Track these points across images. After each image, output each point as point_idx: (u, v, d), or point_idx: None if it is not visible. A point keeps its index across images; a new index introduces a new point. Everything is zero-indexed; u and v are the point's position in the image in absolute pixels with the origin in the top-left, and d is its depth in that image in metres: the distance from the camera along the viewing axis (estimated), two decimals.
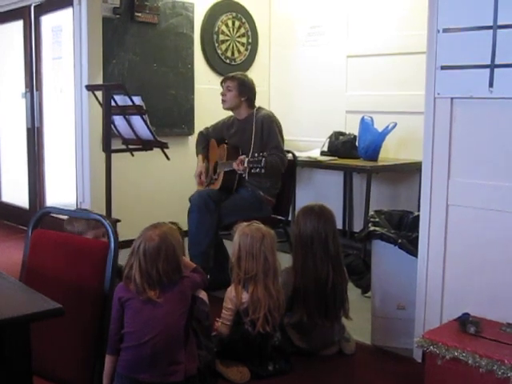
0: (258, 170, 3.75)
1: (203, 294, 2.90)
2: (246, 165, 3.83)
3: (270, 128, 4.18)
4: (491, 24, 2.71)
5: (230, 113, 4.43)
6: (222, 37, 5.90)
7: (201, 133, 4.61)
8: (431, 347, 2.62)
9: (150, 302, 2.52)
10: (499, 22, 2.69)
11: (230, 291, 3.02)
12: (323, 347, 3.22)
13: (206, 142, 4.52)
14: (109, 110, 3.80)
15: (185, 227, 3.99)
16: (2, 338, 1.50)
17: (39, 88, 5.77)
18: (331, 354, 3.22)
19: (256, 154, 3.80)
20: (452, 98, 2.88)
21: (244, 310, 2.97)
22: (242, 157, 3.91)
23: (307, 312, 3.15)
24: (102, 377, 1.96)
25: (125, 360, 2.53)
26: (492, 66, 2.72)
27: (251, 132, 4.18)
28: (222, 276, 4.14)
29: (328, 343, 3.22)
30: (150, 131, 3.86)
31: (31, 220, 2.09)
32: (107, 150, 3.83)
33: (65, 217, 3.32)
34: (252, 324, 2.93)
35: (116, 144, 3.98)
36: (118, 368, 2.54)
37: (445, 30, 2.87)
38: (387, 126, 4.91)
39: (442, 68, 2.89)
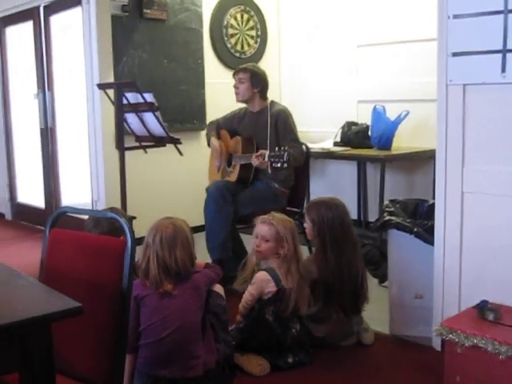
0: (279, 164, 3.72)
1: (219, 288, 2.91)
2: (266, 159, 3.82)
3: (285, 123, 4.17)
4: (502, 8, 2.68)
5: (241, 105, 4.42)
6: (231, 30, 5.89)
7: (211, 122, 4.61)
8: (450, 335, 2.61)
9: (166, 296, 2.54)
10: (510, 7, 2.66)
11: (264, 275, 3.04)
12: (342, 338, 3.22)
13: (216, 130, 4.49)
14: (121, 108, 3.82)
15: (201, 221, 4.02)
16: (24, 337, 1.51)
17: (51, 88, 5.80)
18: (350, 345, 3.22)
19: (277, 148, 3.78)
20: (464, 85, 2.86)
21: (269, 300, 2.98)
22: (262, 151, 3.90)
23: (339, 307, 3.17)
24: (123, 374, 1.97)
25: (144, 357, 2.55)
26: (504, 51, 2.70)
27: (266, 126, 4.16)
28: (239, 269, 4.16)
29: (346, 334, 3.23)
30: (163, 127, 3.87)
31: (48, 220, 2.11)
32: (120, 147, 3.85)
33: (80, 215, 3.34)
34: (275, 313, 2.96)
35: (129, 141, 4.00)
36: (138, 365, 2.55)
37: (455, 16, 2.85)
38: (400, 115, 4.89)
39: (454, 55, 2.87)
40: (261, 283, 3.02)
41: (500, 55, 2.71)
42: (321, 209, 3.25)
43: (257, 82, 4.25)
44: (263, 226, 3.11)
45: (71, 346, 1.90)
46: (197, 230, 3.23)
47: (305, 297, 3.06)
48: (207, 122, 5.43)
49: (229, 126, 4.45)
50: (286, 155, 3.70)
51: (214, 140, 4.42)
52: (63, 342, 1.80)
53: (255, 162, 3.93)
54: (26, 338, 1.52)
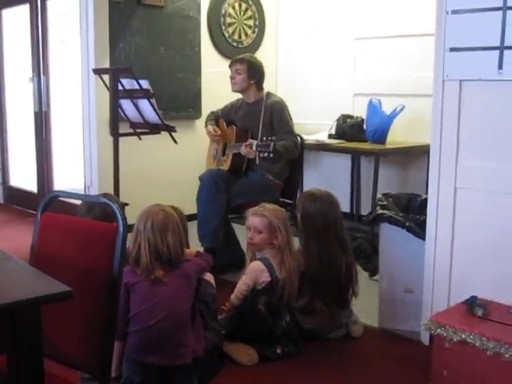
0: (266, 154, 3.74)
1: (209, 277, 2.92)
2: (254, 148, 3.83)
3: (281, 114, 4.16)
4: (501, 5, 2.68)
5: (238, 95, 4.41)
6: (228, 19, 5.86)
7: (211, 112, 4.60)
8: (439, 330, 2.62)
9: (157, 283, 2.54)
10: (509, 3, 2.66)
11: (259, 265, 3.04)
12: (331, 330, 3.23)
13: (215, 119, 4.49)
14: (116, 94, 3.80)
15: (193, 210, 4.02)
16: (12, 320, 1.51)
17: (46, 72, 5.77)
18: (338, 337, 3.23)
19: (264, 138, 3.79)
20: (461, 81, 2.86)
21: (262, 290, 2.99)
22: (251, 140, 3.90)
23: (322, 299, 3.17)
24: (111, 361, 1.97)
25: (132, 344, 2.55)
26: (501, 48, 2.70)
27: (259, 117, 4.16)
28: (231, 259, 4.17)
29: (335, 326, 3.24)
30: (158, 115, 3.85)
31: (40, 203, 2.10)
32: (115, 133, 3.83)
33: (72, 200, 3.34)
34: (267, 303, 2.97)
35: (123, 128, 3.98)
36: (126, 352, 2.56)
37: (454, 12, 2.85)
38: (395, 109, 4.89)
39: (451, 50, 2.87)
40: (255, 272, 3.02)
41: (497, 52, 2.71)
42: (306, 201, 3.27)
43: (254, 73, 4.23)
44: (255, 218, 3.10)
45: (60, 330, 1.90)
46: (189, 218, 3.23)
47: (295, 288, 3.07)
48: (203, 111, 5.43)
49: (226, 116, 4.45)
50: (271, 145, 3.71)
51: (209, 126, 4.41)
52: (52, 326, 1.79)
53: (243, 150, 3.94)
54: (15, 321, 1.51)
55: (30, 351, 1.56)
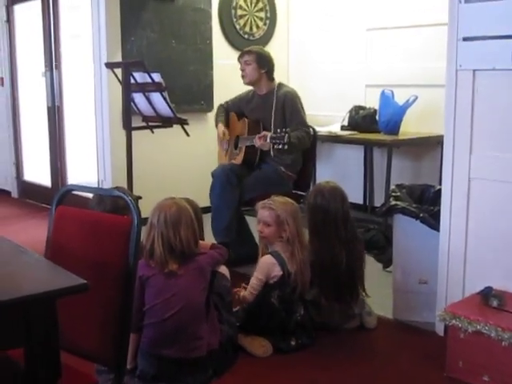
0: (280, 146, 3.74)
1: (224, 269, 2.93)
2: (268, 140, 3.82)
3: (293, 105, 4.16)
4: None
5: (248, 87, 4.40)
6: (240, 12, 5.85)
7: (221, 105, 4.60)
8: (453, 321, 2.62)
9: (172, 277, 2.55)
10: None
11: (269, 259, 3.04)
12: (344, 322, 3.22)
13: (225, 113, 4.49)
14: (128, 88, 3.81)
15: (206, 202, 4.02)
16: (29, 313, 1.52)
17: (58, 67, 5.79)
18: (352, 328, 3.23)
19: (278, 130, 3.79)
20: (474, 70, 2.84)
21: (274, 284, 2.99)
22: (265, 132, 3.90)
23: (323, 292, 3.16)
24: (127, 353, 1.98)
25: (148, 337, 2.57)
26: None
27: (271, 108, 4.15)
28: (244, 252, 4.17)
29: (348, 316, 3.23)
30: (170, 108, 3.86)
31: (54, 197, 2.10)
32: (127, 127, 3.84)
33: (86, 194, 3.35)
34: (280, 297, 2.97)
35: (136, 121, 3.99)
36: (142, 345, 2.57)
37: (466, 1, 2.82)
38: (408, 100, 4.86)
39: (464, 39, 2.85)
40: (267, 266, 3.02)
41: (511, 41, 2.68)
42: (311, 195, 3.28)
43: (263, 63, 4.22)
44: (264, 211, 3.11)
45: (76, 323, 1.91)
46: (203, 211, 3.24)
47: (307, 280, 3.06)
48: (215, 104, 5.42)
49: (237, 108, 4.45)
50: (286, 137, 3.71)
51: (219, 126, 4.40)
52: (68, 319, 1.80)
53: (257, 142, 3.93)
54: (31, 314, 1.53)
55: (47, 344, 1.57)
